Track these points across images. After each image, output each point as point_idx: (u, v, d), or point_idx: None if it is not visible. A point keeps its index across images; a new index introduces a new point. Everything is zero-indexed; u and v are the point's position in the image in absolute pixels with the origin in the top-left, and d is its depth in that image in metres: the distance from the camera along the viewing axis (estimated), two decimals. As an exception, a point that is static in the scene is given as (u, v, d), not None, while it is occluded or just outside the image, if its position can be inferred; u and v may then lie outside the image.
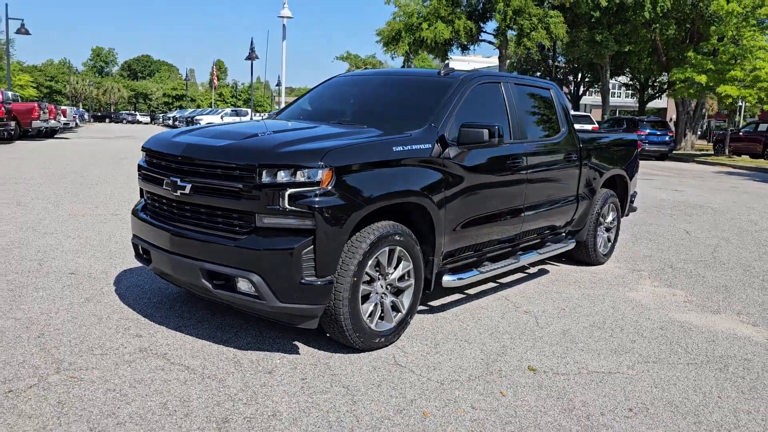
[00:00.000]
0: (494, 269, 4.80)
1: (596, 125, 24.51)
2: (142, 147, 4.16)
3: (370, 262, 3.67)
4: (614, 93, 67.06)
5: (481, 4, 30.61)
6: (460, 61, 76.81)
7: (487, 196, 4.58)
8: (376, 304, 3.81)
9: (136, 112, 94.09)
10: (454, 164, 4.22)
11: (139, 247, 4.15)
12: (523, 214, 5.04)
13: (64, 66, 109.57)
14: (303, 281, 3.40)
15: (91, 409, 2.93)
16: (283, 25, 28.49)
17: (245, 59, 36.50)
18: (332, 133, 4.06)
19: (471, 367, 3.67)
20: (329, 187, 3.42)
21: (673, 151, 26.58)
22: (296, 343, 3.90)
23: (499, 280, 5.65)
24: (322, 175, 3.40)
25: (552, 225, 5.66)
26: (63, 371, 3.33)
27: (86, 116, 60.82)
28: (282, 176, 3.38)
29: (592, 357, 3.92)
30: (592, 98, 59.24)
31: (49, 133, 26.21)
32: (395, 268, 3.92)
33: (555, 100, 5.67)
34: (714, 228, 8.98)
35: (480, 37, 32.70)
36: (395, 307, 3.96)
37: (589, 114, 25.53)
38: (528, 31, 27.97)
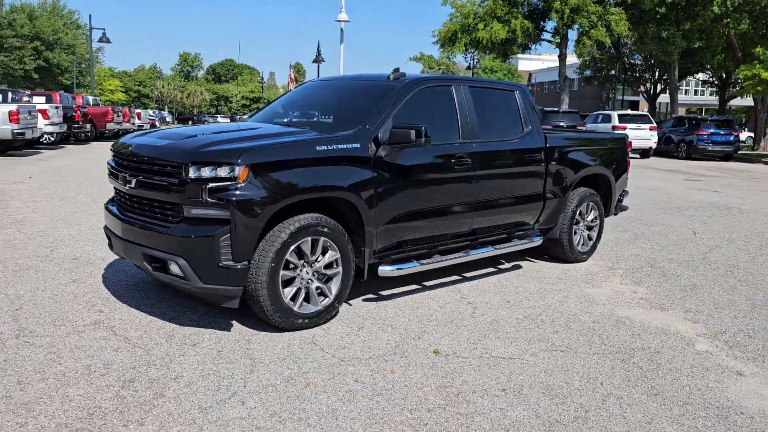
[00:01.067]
0: (437, 262, 5.08)
1: (654, 125, 23.77)
2: (110, 147, 4.75)
3: (290, 250, 4.07)
4: (696, 91, 64.10)
5: (541, 4, 30.23)
6: (529, 61, 75.38)
7: (425, 193, 4.87)
8: (299, 289, 4.21)
9: (217, 114, 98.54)
10: (386, 163, 4.55)
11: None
12: (472, 211, 5.29)
13: (153, 71, 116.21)
14: (221, 264, 3.85)
15: (26, 367, 3.49)
16: (341, 29, 29.30)
17: (312, 62, 37.65)
18: (268, 133, 4.50)
19: (379, 348, 3.99)
20: (245, 183, 3.85)
21: (738, 151, 25.34)
22: (233, 321, 4.35)
23: (464, 274, 5.89)
24: (238, 171, 3.84)
25: (516, 221, 5.86)
26: (21, 337, 3.92)
27: (168, 118, 64.33)
28: (204, 172, 3.84)
29: (502, 344, 4.15)
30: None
31: (123, 135, 28.11)
32: (323, 257, 4.30)
33: (519, 102, 5.85)
34: (726, 230, 8.77)
35: (541, 37, 32.30)
36: (322, 293, 4.34)
37: (647, 113, 24.74)
38: (587, 29, 27.42)
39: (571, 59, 48.12)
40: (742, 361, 4.01)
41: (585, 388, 3.53)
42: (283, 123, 5.02)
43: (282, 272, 4.07)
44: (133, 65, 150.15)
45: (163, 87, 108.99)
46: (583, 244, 6.65)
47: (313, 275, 4.30)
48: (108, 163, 4.72)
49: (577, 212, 6.45)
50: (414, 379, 3.56)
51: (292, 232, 4.05)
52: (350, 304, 4.87)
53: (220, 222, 3.85)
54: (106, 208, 4.71)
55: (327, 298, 4.36)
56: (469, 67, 51.30)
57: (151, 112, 42.19)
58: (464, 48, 29.69)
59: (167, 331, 4.13)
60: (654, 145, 23.74)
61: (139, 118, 31.57)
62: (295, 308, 4.18)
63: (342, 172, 4.31)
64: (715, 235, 8.35)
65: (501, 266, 6.31)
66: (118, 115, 27.27)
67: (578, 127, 23.08)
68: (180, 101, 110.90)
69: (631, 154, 24.98)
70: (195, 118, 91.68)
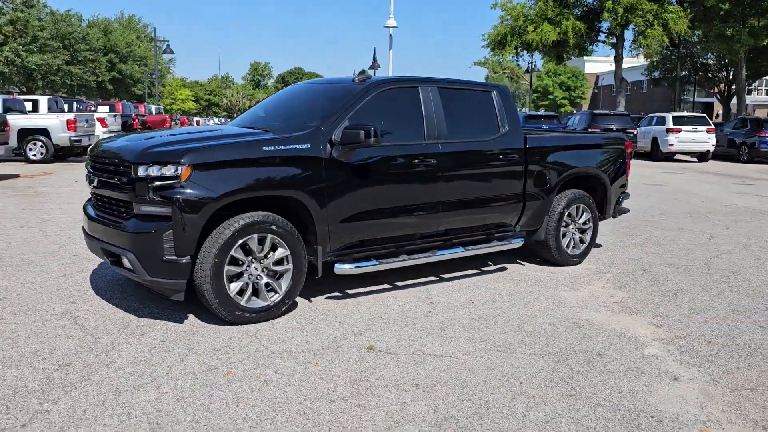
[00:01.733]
0: (398, 261, 5.14)
1: (712, 127, 22.71)
2: (88, 152, 5.09)
3: (235, 247, 4.25)
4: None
5: (596, 4, 29.49)
6: (597, 63, 73.43)
7: (383, 193, 4.95)
8: (247, 284, 4.38)
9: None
10: (339, 163, 4.66)
11: (87, 232, 5.07)
12: (439, 211, 5.32)
13: (225, 80, 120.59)
14: (164, 259, 4.07)
15: (-19, 350, 3.82)
16: (390, 35, 29.61)
17: (369, 68, 38.18)
18: (223, 135, 4.71)
19: (316, 343, 4.11)
20: (187, 181, 4.06)
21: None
22: (189, 314, 4.57)
23: (443, 275, 5.91)
24: (181, 170, 4.06)
25: (494, 222, 5.84)
26: (-9, 323, 4.28)
27: (233, 126, 66.58)
28: (150, 171, 4.08)
29: (441, 343, 4.18)
30: (753, 97, 53.55)
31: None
32: (273, 253, 4.46)
33: (496, 103, 5.83)
34: (746, 235, 8.34)
35: (598, 38, 31.49)
36: (272, 289, 4.50)
37: (704, 115, 23.59)
38: (642, 28, 26.54)
39: (638, 61, 46.59)
40: (686, 367, 3.88)
41: (501, 386, 3.53)
42: (249, 126, 5.22)
43: (228, 267, 4.25)
44: (206, 75, 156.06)
45: (231, 96, 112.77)
46: (573, 247, 6.53)
47: (263, 271, 4.46)
48: (86, 166, 5.06)
49: (566, 214, 6.34)
50: (333, 372, 3.65)
51: (237, 229, 4.23)
52: (311, 301, 5.01)
53: (165, 218, 4.07)
54: (83, 208, 5.04)
55: (277, 294, 4.51)
56: (527, 71, 50.56)
57: (216, 119, 43.53)
58: (514, 51, 29.33)
59: (124, 322, 4.39)
60: (712, 148, 22.65)
61: (198, 125, 32.90)
62: (242, 303, 4.35)
63: (290, 172, 4.46)
64: (732, 240, 7.97)
65: (486, 268, 6.28)
66: (176, 123, 28.65)
67: (628, 129, 22.43)
68: (248, 109, 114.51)
69: (688, 158, 24.10)
70: None
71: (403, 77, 5.48)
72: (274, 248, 4.47)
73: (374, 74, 40.46)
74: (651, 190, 13.25)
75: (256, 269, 4.43)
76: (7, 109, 17.21)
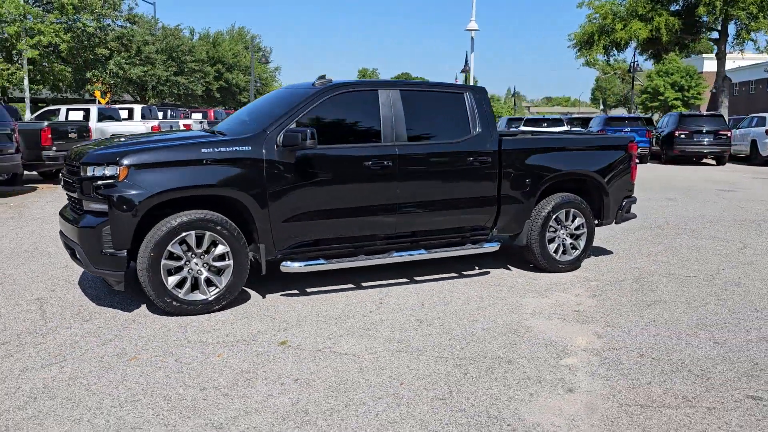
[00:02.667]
0: (347, 261, 5.23)
1: None
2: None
3: (172, 242, 4.54)
4: None
5: (694, -2, 27.58)
6: (714, 61, 68.29)
7: (331, 194, 5.06)
8: (185, 278, 4.65)
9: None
10: (282, 164, 4.84)
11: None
12: (396, 213, 5.34)
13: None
14: (103, 252, 4.44)
15: (-56, 327, 4.35)
16: (471, 38, 29.40)
17: (460, 72, 38.12)
18: (173, 138, 5.03)
19: (235, 335, 4.30)
20: (124, 181, 4.40)
21: None
22: (142, 305, 4.91)
23: (417, 278, 5.91)
24: (118, 171, 4.41)
25: (464, 226, 5.77)
26: (-29, 305, 4.85)
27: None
28: (94, 172, 4.47)
29: (355, 342, 4.23)
30: None
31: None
32: (213, 249, 4.71)
33: (468, 105, 5.75)
34: (788, 245, 7.59)
35: (698, 34, 29.42)
36: (212, 283, 4.75)
37: (766, 115, 21.34)
38: (746, 22, 24.52)
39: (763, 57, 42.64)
40: (593, 379, 3.69)
41: (378, 386, 3.54)
42: (220, 130, 5.49)
43: (165, 261, 4.55)
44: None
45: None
46: (563, 253, 6.27)
47: (203, 266, 4.72)
48: (69, 167, 5.58)
49: (552, 218, 6.11)
50: (229, 363, 3.83)
51: (173, 226, 4.52)
52: (264, 297, 5.21)
53: (104, 214, 4.44)
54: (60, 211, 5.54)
55: (217, 289, 4.76)
56: (629, 70, 48.14)
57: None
58: (603, 50, 28.04)
59: (80, 309, 4.81)
60: (823, 150, 20.48)
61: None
62: (181, 295, 4.63)
63: (227, 173, 4.69)
64: (766, 251, 7.29)
65: (468, 272, 6.19)
66: None
67: (721, 132, 20.84)
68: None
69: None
70: None
71: (363, 81, 5.56)
72: (214, 245, 4.72)
73: (466, 78, 40.26)
74: (717, 197, 12.29)
75: (196, 264, 4.69)
76: (103, 117, 18.92)
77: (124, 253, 4.46)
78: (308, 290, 5.44)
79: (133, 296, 5.09)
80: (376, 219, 5.31)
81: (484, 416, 3.20)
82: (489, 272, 6.22)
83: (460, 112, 5.74)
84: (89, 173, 4.49)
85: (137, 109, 21.37)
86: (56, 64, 23.25)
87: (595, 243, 7.62)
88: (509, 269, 6.35)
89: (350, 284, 5.64)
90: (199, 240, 4.66)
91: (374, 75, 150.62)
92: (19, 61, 21.76)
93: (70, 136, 13.47)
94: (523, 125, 22.26)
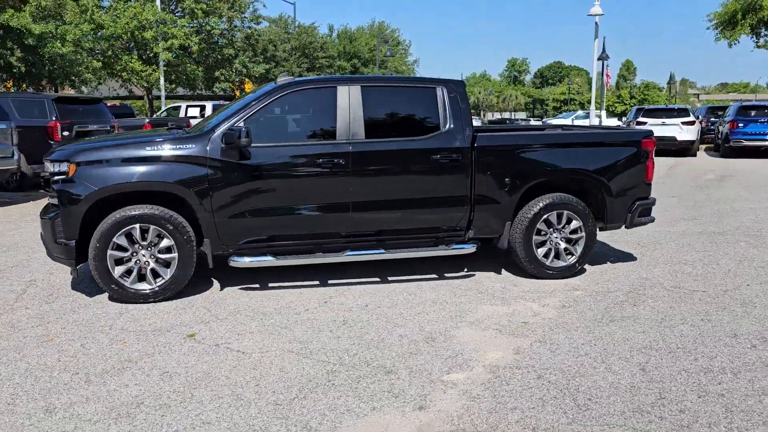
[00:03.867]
0: (298, 259, 5.26)
1: None
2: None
3: (117, 234, 4.86)
4: None
5: None
6: None
7: (279, 191, 5.10)
8: (131, 268, 4.96)
9: (530, 117, 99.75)
10: (225, 162, 4.97)
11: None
12: (350, 211, 5.26)
13: (482, 78, 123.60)
14: (57, 241, 4.87)
15: (-65, 301, 5.04)
16: (596, 23, 27.60)
17: (597, 59, 36.13)
18: (128, 137, 5.35)
19: (155, 325, 4.52)
20: (72, 177, 4.79)
21: None
22: (104, 296, 5.30)
23: (391, 278, 5.78)
24: (67, 168, 4.81)
25: (431, 226, 5.53)
26: (-25, 283, 5.55)
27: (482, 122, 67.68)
28: (54, 168, 4.91)
29: (258, 340, 4.25)
30: None
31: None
32: (160, 242, 4.98)
33: (440, 100, 5.48)
34: None
35: None
36: (157, 274, 5.02)
37: None
38: None
39: None
40: (459, 399, 3.41)
41: (232, 385, 3.56)
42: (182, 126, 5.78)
43: (111, 252, 4.89)
44: (458, 74, 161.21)
45: (479, 93, 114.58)
46: (555, 259, 5.79)
47: (151, 258, 5.00)
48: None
49: (540, 220, 5.65)
50: (124, 351, 4.05)
51: (117, 219, 4.85)
52: (221, 290, 5.39)
53: (59, 207, 4.87)
54: None
55: (162, 279, 5.02)
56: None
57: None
58: (748, 30, 24.90)
59: (55, 292, 5.32)
60: None
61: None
62: (127, 284, 4.96)
63: (171, 170, 4.92)
64: (828, 264, 6.17)
65: (449, 274, 5.94)
66: None
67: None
68: (496, 105, 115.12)
69: None
70: (507, 121, 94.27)
71: (323, 78, 5.53)
72: (160, 238, 4.98)
73: (603, 65, 37.90)
74: (835, 198, 10.55)
75: (144, 256, 4.99)
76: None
77: (73, 243, 4.86)
78: (270, 285, 5.54)
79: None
80: (328, 217, 5.27)
81: (300, 428, 3.10)
82: (474, 275, 5.91)
83: (430, 108, 5.49)
84: (50, 170, 4.94)
85: (208, 105, 22.59)
86: (189, 65, 25.42)
87: (630, 247, 7.00)
88: (500, 273, 5.98)
89: (316, 281, 5.65)
90: (144, 233, 4.94)
91: (524, 65, 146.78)
92: (156, 63, 24.11)
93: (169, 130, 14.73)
94: (642, 116, 20.43)
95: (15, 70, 15.58)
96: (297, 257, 5.29)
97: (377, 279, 5.75)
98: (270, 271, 5.80)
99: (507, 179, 5.56)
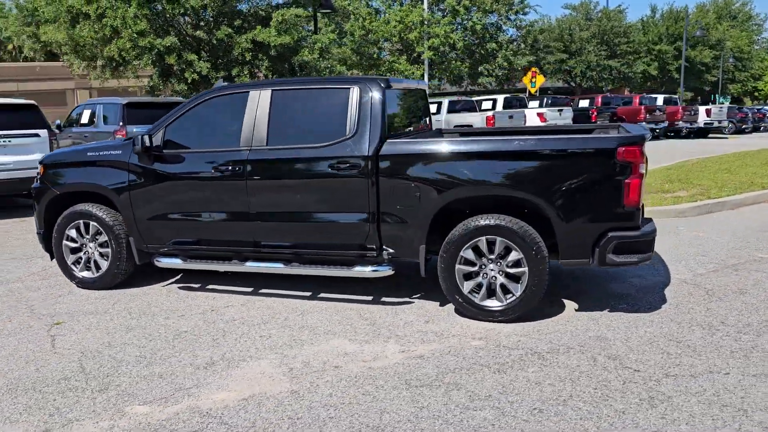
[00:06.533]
0: (204, 264, 5.36)
1: None
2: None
3: (68, 228, 5.66)
4: None
5: None
6: None
7: (185, 197, 5.26)
8: (80, 258, 5.71)
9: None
10: (141, 168, 5.34)
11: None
12: (251, 221, 5.10)
13: None
14: (37, 231, 5.91)
15: (-10, 268, 6.60)
16: None
17: None
18: (92, 144, 6.06)
19: (65, 309, 5.16)
20: (41, 178, 5.76)
21: None
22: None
23: (324, 294, 5.43)
24: (40, 169, 5.79)
25: (340, 242, 5.00)
26: None
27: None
28: (40, 170, 5.97)
29: (84, 337, 4.49)
30: None
31: (700, 133, 27.59)
32: (99, 237, 5.64)
33: (352, 103, 4.85)
34: None
35: None
36: (99, 266, 5.67)
37: None
38: None
39: None
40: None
41: (53, 378, 3.95)
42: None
43: (66, 243, 5.71)
44: None
45: None
46: (490, 297, 4.65)
47: (95, 251, 5.69)
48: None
49: (465, 247, 4.60)
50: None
51: (65, 215, 5.65)
52: (164, 286, 5.80)
53: (41, 202, 5.91)
54: None
55: (101, 270, 5.66)
56: None
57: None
58: None
59: (46, 275, 6.39)
60: None
61: (708, 116, 29.18)
62: (76, 272, 5.73)
63: (104, 173, 5.49)
64: None
65: (389, 298, 5.28)
66: (692, 113, 27.10)
67: None
68: None
69: None
70: None
71: (240, 84, 5.41)
72: (99, 233, 5.63)
73: None
74: None
75: (90, 248, 5.70)
76: (453, 109, 20.68)
77: (42, 232, 5.82)
78: (208, 287, 5.72)
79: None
80: (230, 225, 5.21)
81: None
82: (413, 302, 5.14)
83: (340, 112, 4.93)
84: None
85: (500, 99, 22.32)
86: (454, 61, 26.22)
87: (660, 276, 5.24)
88: (444, 304, 5.07)
89: (251, 288, 5.63)
90: (87, 227, 5.64)
91: None
92: (420, 63, 25.51)
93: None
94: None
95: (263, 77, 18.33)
96: (202, 263, 5.37)
97: (309, 293, 5.44)
98: (239, 276, 5.89)
99: (417, 194, 4.67)
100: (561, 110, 22.06)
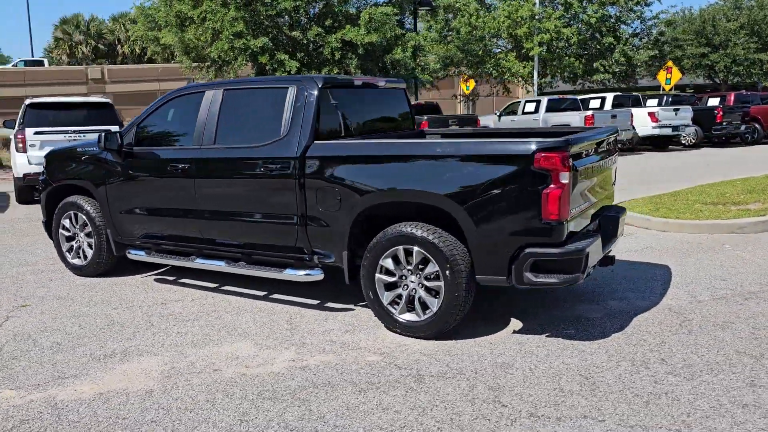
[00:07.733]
0: (165, 259, 5.55)
1: None
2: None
3: (63, 216, 6.12)
4: None
5: None
6: None
7: (145, 193, 5.48)
8: (72, 246, 6.15)
9: None
10: (115, 163, 5.64)
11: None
12: (197, 219, 5.20)
13: None
14: (42, 221, 6.46)
15: None
16: None
17: None
18: (84, 141, 6.41)
19: (39, 294, 5.61)
20: (46, 169, 6.27)
21: None
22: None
23: (278, 295, 5.42)
24: (45, 163, 6.32)
25: (275, 244, 4.94)
26: None
27: None
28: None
29: (40, 323, 4.86)
30: None
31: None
32: (86, 227, 6.05)
33: (288, 102, 4.75)
34: None
35: None
36: (86, 255, 6.08)
37: None
38: None
39: None
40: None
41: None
42: None
43: (61, 231, 6.18)
44: None
45: None
46: (410, 311, 4.36)
47: (84, 240, 6.10)
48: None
49: (383, 255, 4.34)
50: (-28, 306, 5.29)
51: (60, 206, 6.12)
52: (144, 276, 6.09)
53: (47, 194, 6.44)
54: None
55: (87, 259, 6.05)
56: None
57: None
58: None
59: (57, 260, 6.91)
60: None
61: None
62: (69, 259, 6.18)
63: (86, 168, 5.87)
64: None
65: (332, 304, 5.14)
66: None
67: None
68: None
69: None
70: None
71: (199, 84, 5.47)
72: (85, 225, 6.02)
73: None
74: None
75: (81, 237, 6.12)
76: (552, 108, 19.59)
77: (45, 220, 6.35)
78: (180, 281, 5.93)
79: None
80: (182, 223, 5.34)
81: None
82: (353, 310, 4.96)
83: (278, 111, 4.85)
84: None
85: (609, 98, 20.80)
86: (566, 58, 24.81)
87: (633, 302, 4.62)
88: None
89: (216, 284, 5.74)
90: (76, 218, 6.05)
91: None
92: (530, 59, 24.42)
93: (449, 126, 15.31)
94: None
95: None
96: (162, 257, 5.55)
97: (261, 294, 5.44)
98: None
99: (338, 198, 4.49)
100: (677, 110, 20.01)
